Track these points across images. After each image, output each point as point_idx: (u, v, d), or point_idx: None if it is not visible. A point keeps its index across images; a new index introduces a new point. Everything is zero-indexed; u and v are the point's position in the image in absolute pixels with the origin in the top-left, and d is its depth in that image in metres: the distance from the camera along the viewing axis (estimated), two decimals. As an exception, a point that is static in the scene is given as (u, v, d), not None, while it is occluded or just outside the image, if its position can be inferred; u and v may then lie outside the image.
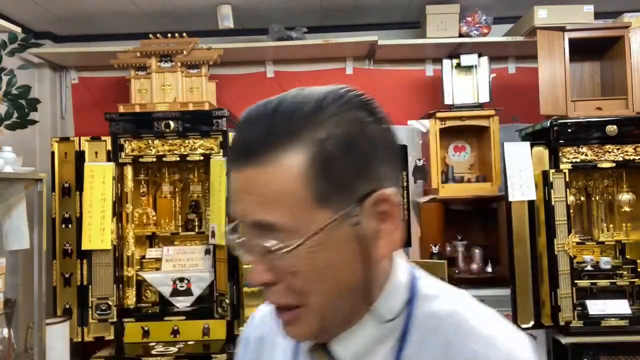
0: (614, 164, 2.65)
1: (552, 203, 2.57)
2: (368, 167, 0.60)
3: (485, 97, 2.94)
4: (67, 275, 2.77)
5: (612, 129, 2.63)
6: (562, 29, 2.71)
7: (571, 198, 2.70)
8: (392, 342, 0.65)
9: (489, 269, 2.87)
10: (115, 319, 2.70)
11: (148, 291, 2.90)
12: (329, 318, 0.63)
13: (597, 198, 2.87)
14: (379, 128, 0.61)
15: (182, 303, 2.77)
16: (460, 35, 3.05)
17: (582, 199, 2.90)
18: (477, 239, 3.12)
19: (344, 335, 0.66)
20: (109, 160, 2.75)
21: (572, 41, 2.70)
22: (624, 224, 2.81)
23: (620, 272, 2.69)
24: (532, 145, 2.70)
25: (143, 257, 2.92)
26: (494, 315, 0.66)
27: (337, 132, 0.57)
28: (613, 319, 2.58)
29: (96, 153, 2.77)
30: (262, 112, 0.59)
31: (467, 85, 2.97)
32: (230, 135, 2.78)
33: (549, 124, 2.67)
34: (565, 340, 2.54)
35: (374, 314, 0.65)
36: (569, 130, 2.65)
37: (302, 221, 0.57)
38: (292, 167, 0.56)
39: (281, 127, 0.57)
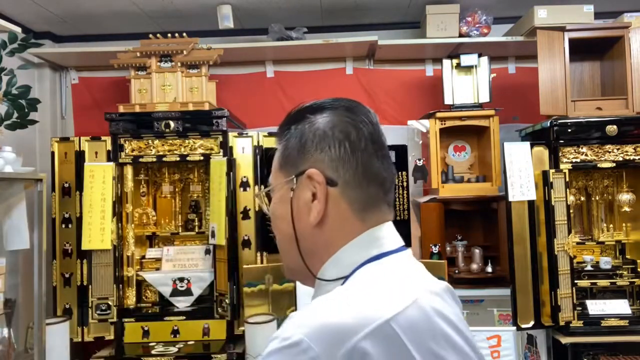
0: (614, 164, 2.65)
1: (552, 203, 2.57)
2: (309, 151, 0.81)
3: (485, 97, 2.94)
4: (67, 275, 2.77)
5: (612, 129, 2.63)
6: (562, 29, 2.71)
7: (571, 198, 2.70)
8: None
9: (489, 269, 2.87)
10: (115, 319, 2.70)
11: (148, 291, 2.90)
12: (286, 263, 0.87)
13: (597, 198, 2.87)
14: (332, 123, 0.83)
15: (182, 303, 2.77)
16: (460, 35, 3.05)
17: (582, 199, 2.90)
18: (477, 239, 3.12)
19: (313, 294, 0.83)
20: (109, 160, 2.75)
21: (572, 41, 2.70)
22: (624, 224, 2.81)
23: (620, 272, 2.69)
24: (532, 145, 2.70)
25: (143, 257, 2.92)
26: (323, 309, 0.69)
27: (294, 132, 0.84)
28: (613, 319, 2.58)
29: (96, 153, 2.78)
30: None
31: (467, 85, 2.97)
32: (230, 135, 2.78)
33: (549, 124, 2.67)
34: (565, 340, 2.54)
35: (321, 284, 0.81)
36: (569, 130, 2.65)
37: (273, 180, 0.88)
38: (278, 146, 0.88)
39: (279, 127, 0.89)
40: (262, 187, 0.98)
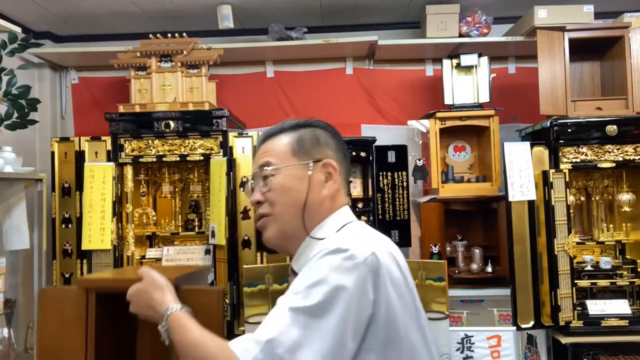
0: (614, 164, 2.65)
1: (552, 203, 2.57)
2: (320, 147, 1.20)
3: (485, 97, 2.94)
4: (67, 275, 2.77)
5: (612, 129, 2.63)
6: (562, 29, 2.71)
7: (571, 198, 2.70)
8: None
9: (489, 269, 2.87)
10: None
11: (148, 291, 2.90)
12: (284, 227, 1.16)
13: (597, 198, 2.87)
14: (326, 133, 1.24)
15: (182, 303, 2.77)
16: (460, 35, 3.05)
17: (582, 199, 2.90)
18: (477, 239, 3.12)
19: (295, 256, 1.18)
20: (109, 160, 2.75)
21: (572, 41, 2.70)
22: (624, 224, 2.81)
23: (620, 272, 2.69)
24: (532, 145, 2.70)
25: (143, 257, 2.92)
26: (346, 237, 1.09)
27: (307, 131, 1.22)
28: (613, 319, 2.58)
29: (96, 153, 2.78)
30: (274, 127, 1.26)
31: (467, 85, 2.97)
32: (230, 135, 2.78)
33: (549, 124, 2.67)
34: (565, 340, 2.54)
35: (312, 242, 1.14)
36: (569, 130, 2.65)
37: (282, 162, 1.18)
38: (282, 139, 1.21)
39: (282, 127, 1.24)
40: (263, 167, 1.20)
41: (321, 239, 1.11)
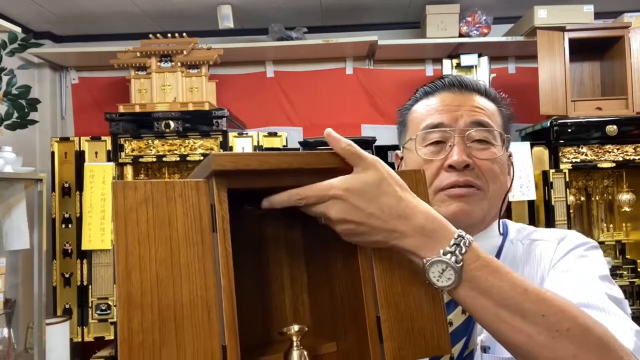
0: (614, 164, 2.65)
1: (552, 203, 2.57)
2: (509, 133, 0.98)
3: (485, 97, 2.94)
4: (67, 275, 2.77)
5: (612, 129, 2.63)
6: (562, 29, 2.71)
7: (571, 198, 2.70)
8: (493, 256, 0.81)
9: (489, 269, 2.87)
10: (115, 319, 2.70)
11: (148, 291, 2.90)
12: (489, 209, 0.92)
13: (597, 198, 2.87)
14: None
15: (182, 303, 2.77)
16: (460, 35, 3.04)
17: (582, 199, 2.90)
18: (477, 239, 3.12)
19: (478, 236, 0.93)
20: (109, 160, 2.75)
21: (572, 41, 2.70)
22: (624, 224, 2.81)
23: (620, 272, 2.69)
24: (532, 145, 2.70)
25: (143, 257, 2.92)
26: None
27: (506, 113, 1.00)
28: (613, 319, 2.58)
29: (96, 153, 2.78)
30: (472, 79, 1.00)
31: (467, 85, 2.96)
32: (230, 135, 2.78)
33: (549, 124, 2.67)
34: (565, 340, 2.54)
35: (495, 227, 0.96)
36: (569, 130, 2.65)
37: (501, 132, 0.94)
38: (495, 109, 0.97)
39: (492, 93, 0.99)
40: (487, 127, 0.93)
41: (501, 234, 0.97)
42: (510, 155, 0.98)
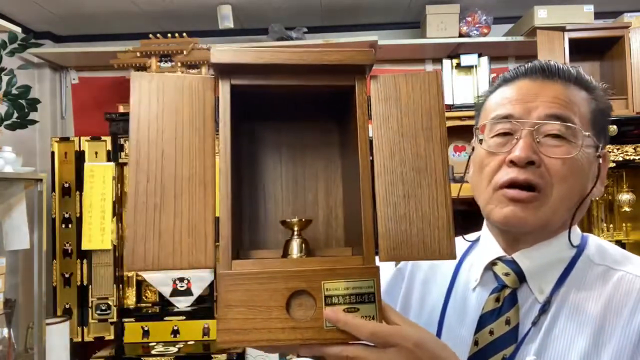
0: (614, 164, 2.65)
1: (552, 203, 2.57)
2: (605, 129, 0.86)
3: (485, 97, 2.94)
4: (67, 275, 2.77)
5: (612, 128, 2.63)
6: (562, 29, 2.71)
7: (571, 198, 2.70)
8: (559, 271, 0.82)
9: (489, 269, 2.87)
10: (115, 319, 2.70)
11: (148, 291, 2.90)
12: (553, 216, 0.81)
13: (597, 198, 2.87)
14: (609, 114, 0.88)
15: (182, 303, 2.77)
16: (460, 35, 3.04)
17: (582, 199, 2.91)
18: (477, 239, 3.12)
19: (534, 247, 0.84)
20: (109, 160, 2.75)
21: (572, 41, 2.70)
22: (624, 224, 2.81)
23: (620, 272, 2.69)
24: (532, 145, 2.70)
25: (143, 257, 2.92)
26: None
27: (601, 104, 0.87)
28: (613, 319, 2.58)
29: (96, 153, 2.78)
30: (560, 64, 0.88)
31: (467, 85, 2.97)
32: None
33: (549, 124, 2.67)
34: (565, 340, 2.54)
35: (565, 237, 0.83)
36: (569, 130, 2.65)
37: (580, 129, 0.80)
38: (583, 100, 0.85)
39: (583, 79, 0.88)
40: (561, 121, 0.80)
41: (574, 247, 0.85)
42: (599, 155, 0.83)
